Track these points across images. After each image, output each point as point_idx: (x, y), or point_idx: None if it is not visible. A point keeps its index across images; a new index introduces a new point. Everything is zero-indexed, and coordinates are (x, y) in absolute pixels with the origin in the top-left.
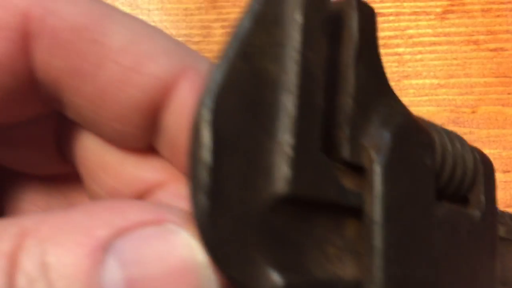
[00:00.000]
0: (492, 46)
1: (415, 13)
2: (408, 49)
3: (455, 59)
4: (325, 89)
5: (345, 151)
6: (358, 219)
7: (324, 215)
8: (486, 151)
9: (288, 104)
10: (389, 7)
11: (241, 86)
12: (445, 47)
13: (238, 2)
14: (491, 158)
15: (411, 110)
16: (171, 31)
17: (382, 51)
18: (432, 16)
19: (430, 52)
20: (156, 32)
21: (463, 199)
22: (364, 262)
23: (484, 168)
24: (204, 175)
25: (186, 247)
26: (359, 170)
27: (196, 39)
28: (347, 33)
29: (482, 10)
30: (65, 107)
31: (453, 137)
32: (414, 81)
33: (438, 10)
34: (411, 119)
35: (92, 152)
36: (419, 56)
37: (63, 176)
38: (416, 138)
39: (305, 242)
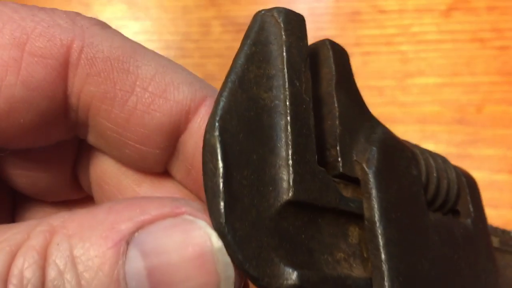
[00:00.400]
0: (497, 44)
1: (418, 10)
2: (412, 47)
3: (459, 57)
4: (313, 112)
5: (340, 166)
6: (359, 226)
7: (329, 221)
8: (491, 151)
9: (283, 124)
10: (393, 4)
11: (241, 110)
12: (449, 45)
13: None
14: (496, 158)
15: (414, 110)
16: (169, 28)
17: (385, 49)
18: (436, 14)
19: (434, 50)
20: (178, 66)
21: (454, 212)
22: (370, 261)
23: (467, 181)
24: (219, 184)
25: (202, 236)
26: (354, 182)
27: (194, 37)
28: (325, 67)
29: (487, 8)
30: (90, 131)
31: (434, 155)
32: (417, 80)
33: (442, 7)
34: (392, 137)
35: (109, 176)
36: (423, 55)
37: (75, 201)
38: (399, 152)
39: (315, 247)
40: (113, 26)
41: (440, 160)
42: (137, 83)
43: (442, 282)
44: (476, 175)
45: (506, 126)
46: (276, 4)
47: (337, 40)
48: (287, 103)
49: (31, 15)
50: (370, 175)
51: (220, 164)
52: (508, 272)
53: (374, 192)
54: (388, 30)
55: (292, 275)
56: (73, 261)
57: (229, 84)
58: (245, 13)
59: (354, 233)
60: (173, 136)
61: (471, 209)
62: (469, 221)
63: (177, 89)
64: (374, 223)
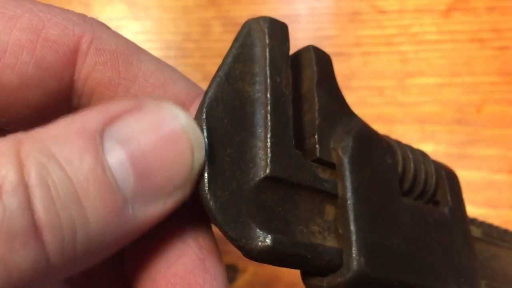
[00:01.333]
0: (497, 44)
1: (418, 10)
2: (412, 47)
3: (459, 57)
4: (293, 103)
5: (317, 152)
6: (335, 205)
7: (306, 198)
8: (490, 151)
9: (264, 112)
10: (392, 4)
11: (227, 100)
12: (449, 46)
13: None
14: (496, 158)
15: (414, 110)
16: (170, 29)
17: (385, 49)
18: (436, 14)
19: (434, 50)
20: (174, 68)
21: (434, 202)
22: (342, 234)
23: (446, 174)
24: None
25: (171, 114)
26: (331, 166)
27: (195, 37)
28: (308, 69)
29: (487, 8)
30: None
31: (413, 149)
32: (417, 80)
33: (442, 7)
34: (369, 130)
35: None
36: (422, 55)
37: None
38: (375, 142)
39: (292, 219)
40: (114, 26)
41: (418, 153)
42: (140, 74)
43: (410, 258)
44: (476, 175)
45: (506, 126)
46: (276, 4)
47: (337, 40)
48: (268, 95)
49: (47, 9)
50: (344, 160)
51: (205, 141)
52: (493, 263)
53: (347, 173)
54: (388, 30)
55: (267, 238)
56: (53, 155)
57: (217, 79)
58: (245, 13)
59: (330, 211)
60: None
61: (449, 198)
62: (446, 209)
63: (174, 83)
64: (346, 200)
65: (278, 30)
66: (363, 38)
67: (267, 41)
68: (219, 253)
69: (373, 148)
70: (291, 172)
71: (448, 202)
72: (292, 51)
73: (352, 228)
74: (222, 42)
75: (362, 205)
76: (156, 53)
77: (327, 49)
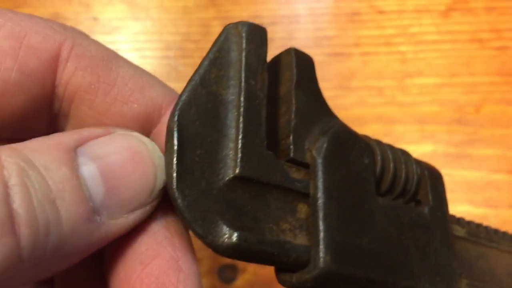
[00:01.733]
0: (496, 44)
1: (418, 11)
2: (411, 48)
3: (458, 57)
4: (272, 105)
5: (291, 152)
6: (307, 204)
7: (278, 197)
8: (489, 151)
9: (236, 114)
10: (392, 5)
11: (200, 103)
12: (448, 46)
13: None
14: (495, 158)
15: (413, 110)
16: (169, 29)
17: (384, 49)
18: (435, 14)
19: (433, 50)
20: (149, 72)
21: (417, 201)
22: (311, 232)
23: (429, 174)
24: (173, 158)
25: (137, 141)
26: (306, 167)
27: (195, 37)
28: (287, 71)
29: (486, 8)
30: (70, 122)
31: (395, 149)
32: (417, 80)
33: (442, 8)
34: (347, 130)
35: None
36: (422, 55)
37: None
38: (352, 142)
39: (262, 217)
40: (114, 27)
41: (400, 153)
42: (118, 79)
43: (381, 256)
44: (475, 174)
45: (505, 126)
46: (275, 4)
47: (337, 40)
48: (241, 98)
49: (29, 18)
50: (318, 160)
51: (175, 143)
52: (480, 262)
53: (320, 173)
54: (388, 30)
55: (233, 235)
56: (32, 162)
57: (192, 82)
58: (245, 14)
59: (302, 209)
60: (147, 127)
61: (430, 198)
62: (426, 209)
63: (152, 87)
64: (316, 199)
65: (256, 35)
66: (363, 38)
67: (243, 45)
68: (193, 253)
69: (349, 149)
70: (261, 172)
71: (429, 202)
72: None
73: (320, 226)
74: None
75: (332, 204)
76: (156, 53)
77: (326, 49)
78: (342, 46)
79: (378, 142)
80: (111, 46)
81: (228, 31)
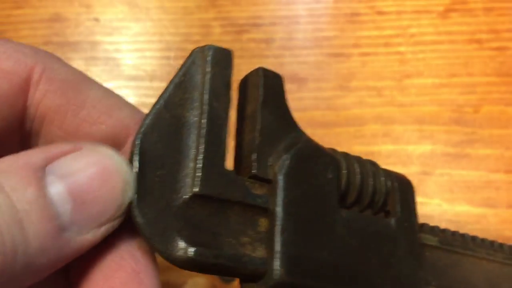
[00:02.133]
0: (494, 45)
1: (417, 11)
2: (410, 48)
3: (457, 58)
4: (238, 124)
5: (254, 169)
6: (268, 219)
7: (239, 212)
8: (488, 151)
9: (197, 135)
10: (391, 5)
11: (163, 126)
12: (447, 46)
13: (237, 0)
14: (493, 158)
15: (412, 110)
16: (170, 30)
17: (383, 50)
18: (434, 15)
19: (432, 51)
20: (118, 94)
21: (386, 212)
22: (269, 246)
23: (400, 185)
24: (132, 179)
25: (107, 156)
26: (268, 182)
27: (195, 38)
28: (254, 90)
29: (485, 9)
30: (40, 141)
31: (364, 161)
32: (416, 81)
33: (440, 8)
34: (312, 146)
35: None
36: (421, 55)
37: None
38: (316, 158)
39: (221, 232)
40: (114, 28)
41: (369, 165)
42: (88, 101)
43: (341, 268)
44: (474, 174)
45: (503, 126)
46: (275, 5)
47: (336, 41)
48: (203, 119)
49: (1, 43)
50: (279, 176)
51: (136, 165)
52: (453, 270)
53: (280, 189)
54: (387, 31)
55: (188, 250)
56: (0, 185)
57: (156, 106)
58: (245, 14)
59: (263, 223)
60: (116, 147)
61: (398, 209)
62: (393, 220)
63: (120, 109)
64: (275, 214)
65: (221, 57)
66: (362, 39)
67: (208, 68)
68: (156, 266)
69: (313, 164)
70: (221, 190)
71: (397, 213)
72: (290, 51)
73: (276, 240)
74: (222, 43)
75: (290, 219)
76: (156, 53)
77: (326, 50)
78: (341, 47)
79: (346, 155)
80: (112, 47)
81: (195, 55)
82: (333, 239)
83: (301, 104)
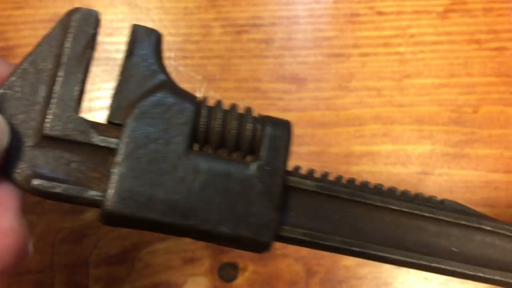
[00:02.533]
0: (494, 45)
1: (416, 12)
2: (410, 48)
3: (456, 58)
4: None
5: (109, 115)
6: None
7: (90, 152)
8: (487, 151)
9: (53, 84)
10: (390, 6)
11: (27, 77)
12: (446, 46)
13: (237, 1)
14: (493, 158)
15: (412, 110)
16: (170, 30)
17: (383, 50)
18: (433, 15)
19: (432, 51)
20: None
21: (257, 157)
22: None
23: (272, 130)
24: (8, 129)
25: None
26: (122, 127)
27: (195, 38)
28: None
29: (484, 9)
30: None
31: (234, 108)
32: (415, 81)
33: (440, 9)
34: (171, 93)
35: None
36: (420, 56)
37: None
38: (171, 105)
39: (73, 167)
40: (115, 28)
41: (235, 113)
42: None
43: (175, 205)
44: (473, 174)
45: (503, 127)
46: (275, 6)
47: (336, 41)
48: (60, 72)
49: None
50: (128, 120)
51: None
52: (337, 216)
53: (125, 131)
54: (386, 31)
55: (33, 181)
56: None
57: (23, 62)
58: (245, 15)
59: (112, 162)
60: None
61: (264, 154)
62: (255, 164)
63: None
64: (118, 154)
65: (86, 18)
66: (362, 39)
67: (73, 29)
68: (19, 211)
69: (165, 110)
70: (68, 132)
71: (262, 159)
72: (290, 51)
73: (113, 174)
74: (222, 43)
75: (130, 157)
76: None
77: (326, 50)
78: (341, 47)
79: (216, 103)
80: (112, 47)
81: (64, 17)
82: (172, 178)
83: (301, 104)
